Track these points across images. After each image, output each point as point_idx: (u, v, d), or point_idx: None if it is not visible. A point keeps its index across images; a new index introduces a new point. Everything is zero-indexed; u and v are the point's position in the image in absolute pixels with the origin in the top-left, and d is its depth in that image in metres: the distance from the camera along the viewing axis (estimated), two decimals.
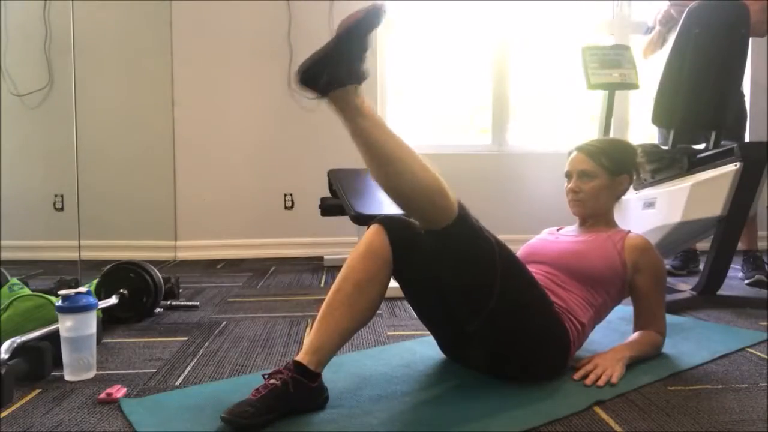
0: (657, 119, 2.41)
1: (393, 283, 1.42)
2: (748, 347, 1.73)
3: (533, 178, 3.77)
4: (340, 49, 1.15)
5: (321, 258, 3.52)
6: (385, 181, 1.23)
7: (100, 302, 1.87)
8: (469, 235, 1.30)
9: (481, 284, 1.31)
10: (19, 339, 1.50)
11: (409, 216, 1.37)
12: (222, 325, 2.06)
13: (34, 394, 1.41)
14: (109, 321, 2.02)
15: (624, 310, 1.74)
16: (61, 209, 3.66)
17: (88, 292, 1.53)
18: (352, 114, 1.19)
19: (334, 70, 1.16)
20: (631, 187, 1.74)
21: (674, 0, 2.83)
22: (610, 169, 1.64)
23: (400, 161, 1.21)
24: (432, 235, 1.29)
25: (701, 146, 2.43)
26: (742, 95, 2.83)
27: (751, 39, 2.42)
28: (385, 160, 1.21)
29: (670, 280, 2.45)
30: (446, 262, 1.32)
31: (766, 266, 2.74)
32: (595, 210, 1.66)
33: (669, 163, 2.44)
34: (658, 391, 1.39)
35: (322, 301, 1.36)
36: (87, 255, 2.95)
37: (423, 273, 1.41)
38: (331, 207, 3.04)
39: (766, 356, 1.66)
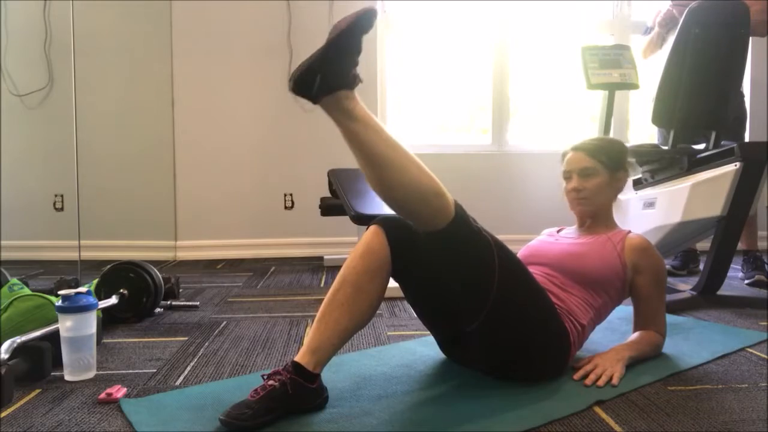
0: (657, 119, 2.41)
1: (393, 283, 1.43)
2: (748, 347, 1.73)
3: (533, 178, 3.77)
4: (332, 54, 1.14)
5: (321, 258, 3.52)
6: (380, 185, 1.22)
7: (100, 302, 1.87)
8: (467, 236, 1.29)
9: (480, 285, 1.31)
10: (19, 339, 1.50)
11: (405, 218, 1.36)
12: (222, 325, 2.06)
13: (34, 394, 1.41)
14: (109, 321, 2.02)
15: (624, 310, 1.74)
16: (61, 209, 3.66)
17: (88, 292, 1.53)
18: (344, 118, 1.19)
19: (326, 77, 1.14)
20: (631, 187, 1.74)
21: (676, 0, 2.83)
22: (610, 165, 1.64)
23: (395, 164, 1.19)
24: (429, 237, 1.29)
25: (701, 146, 2.43)
26: (742, 95, 2.83)
27: (751, 39, 2.42)
28: (380, 164, 1.20)
29: (670, 280, 2.45)
30: (444, 263, 1.32)
31: (766, 266, 2.74)
32: (598, 207, 1.67)
33: (669, 163, 2.44)
34: (658, 391, 1.39)
35: (321, 301, 1.36)
36: (87, 255, 2.95)
37: (422, 273, 1.41)
38: (331, 207, 3.04)
39: (766, 356, 1.66)
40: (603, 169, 1.64)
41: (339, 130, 1.21)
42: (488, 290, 1.30)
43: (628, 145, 2.10)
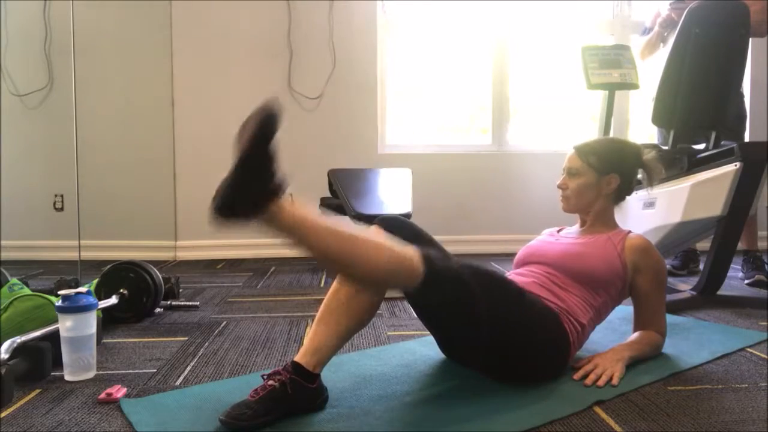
0: (657, 119, 2.41)
1: None
2: (748, 347, 1.73)
3: (533, 178, 3.77)
4: (245, 174, 1.07)
5: None
6: (340, 274, 1.22)
7: (100, 302, 1.87)
8: (443, 284, 1.26)
9: (469, 320, 1.32)
10: (19, 339, 1.50)
11: (376, 288, 1.32)
12: (222, 325, 2.06)
13: (34, 394, 1.41)
14: (109, 321, 2.02)
15: (624, 310, 1.74)
16: (61, 209, 3.66)
17: (88, 292, 1.53)
18: (282, 232, 1.12)
19: (246, 197, 1.08)
20: (633, 187, 1.74)
21: (675, 2, 2.83)
22: (597, 168, 1.64)
23: (347, 254, 1.15)
24: (410, 294, 1.28)
25: (701, 146, 2.43)
26: (741, 96, 2.83)
27: (751, 39, 2.42)
28: (332, 259, 1.17)
29: (670, 280, 2.45)
30: (431, 309, 1.34)
31: (766, 266, 2.74)
32: (579, 207, 1.67)
33: (669, 163, 2.44)
34: (658, 391, 1.39)
35: (321, 301, 1.36)
36: (87, 255, 2.95)
37: (416, 291, 1.42)
38: (331, 207, 3.04)
39: (766, 356, 1.66)
40: (589, 171, 1.64)
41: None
42: (477, 322, 1.31)
43: None
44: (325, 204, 3.11)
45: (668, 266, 2.94)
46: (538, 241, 1.74)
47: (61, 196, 3.66)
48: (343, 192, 2.72)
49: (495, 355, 1.40)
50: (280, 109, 1.05)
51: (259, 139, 1.06)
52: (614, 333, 1.83)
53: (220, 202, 1.08)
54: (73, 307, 1.48)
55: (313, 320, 1.39)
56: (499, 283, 1.41)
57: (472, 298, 1.28)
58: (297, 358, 1.28)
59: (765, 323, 2.01)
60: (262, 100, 1.06)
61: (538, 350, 1.41)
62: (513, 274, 1.65)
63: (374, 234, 1.24)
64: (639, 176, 1.74)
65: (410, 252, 1.21)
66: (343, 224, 1.17)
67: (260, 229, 1.11)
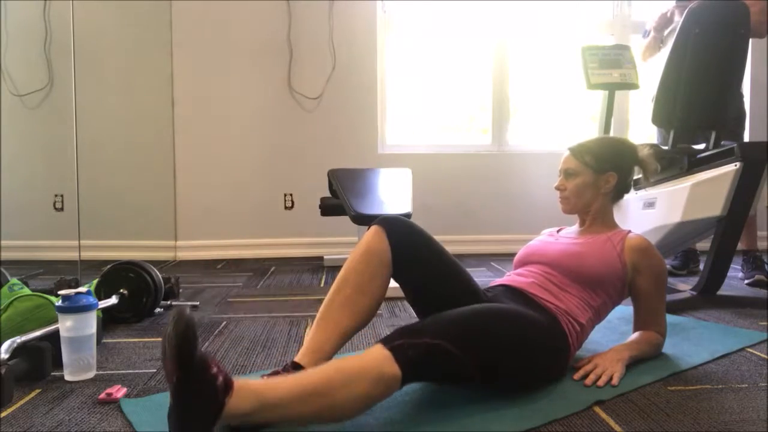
0: (657, 119, 2.41)
1: (393, 283, 1.43)
2: (748, 347, 1.73)
3: (533, 178, 3.77)
4: (186, 401, 1.00)
5: (321, 258, 3.52)
6: (323, 420, 1.15)
7: (100, 302, 1.87)
8: (424, 370, 1.20)
9: (465, 376, 1.25)
10: (19, 339, 1.50)
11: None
12: (222, 325, 2.06)
13: (34, 394, 1.41)
14: (109, 321, 2.02)
15: (624, 310, 1.74)
16: (61, 209, 3.66)
17: (88, 292, 1.53)
18: (250, 419, 1.05)
19: (198, 419, 1.00)
20: (632, 186, 1.74)
21: (679, 2, 2.81)
22: (594, 166, 1.64)
23: (318, 406, 1.08)
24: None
25: (701, 146, 2.43)
26: (741, 95, 2.83)
27: (751, 39, 2.42)
28: (308, 417, 1.11)
29: (670, 280, 2.45)
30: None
31: (766, 266, 2.74)
32: (579, 207, 1.67)
33: (669, 163, 2.44)
34: (658, 391, 1.39)
35: (322, 301, 1.37)
36: (87, 255, 2.95)
37: (422, 273, 1.41)
38: (331, 207, 3.04)
39: (766, 356, 1.66)
40: (586, 170, 1.64)
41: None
42: (473, 373, 1.24)
43: None
44: (325, 204, 3.11)
45: (668, 266, 2.94)
46: (538, 241, 1.73)
47: (61, 196, 3.66)
48: (343, 192, 2.71)
49: (494, 374, 1.37)
50: (192, 318, 1.00)
51: (184, 355, 0.98)
52: (614, 333, 1.83)
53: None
54: (73, 307, 1.48)
55: (313, 320, 1.39)
56: (487, 319, 1.30)
57: (460, 362, 1.21)
58: (297, 358, 1.28)
59: (765, 323, 2.01)
60: (173, 314, 1.00)
61: (538, 353, 1.40)
62: (512, 274, 1.65)
63: (332, 366, 1.15)
64: (636, 176, 1.74)
65: (380, 361, 1.13)
66: (301, 378, 1.12)
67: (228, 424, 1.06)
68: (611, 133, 2.85)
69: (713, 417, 1.25)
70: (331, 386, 1.09)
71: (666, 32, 2.93)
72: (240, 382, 1.05)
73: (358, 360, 1.14)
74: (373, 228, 1.41)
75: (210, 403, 1.00)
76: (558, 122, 4.05)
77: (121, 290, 2.08)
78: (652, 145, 2.09)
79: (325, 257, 3.48)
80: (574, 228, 1.74)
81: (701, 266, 2.74)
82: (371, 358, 1.13)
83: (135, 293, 2.10)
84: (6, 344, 1.47)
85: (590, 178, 1.64)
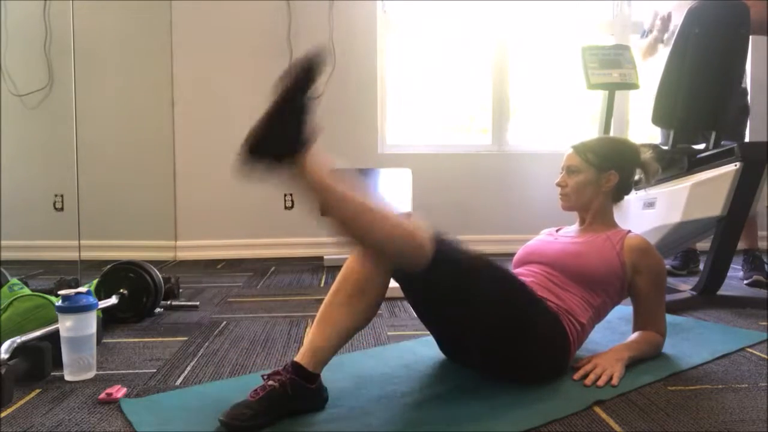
0: (657, 119, 2.41)
1: (393, 283, 1.42)
2: (748, 347, 1.73)
3: (533, 178, 3.77)
4: (281, 117, 1.08)
5: (321, 258, 3.52)
6: (351, 240, 1.22)
7: (100, 302, 1.87)
8: (452, 269, 1.29)
9: (474, 312, 1.32)
10: (19, 339, 1.50)
11: (384, 262, 1.33)
12: (222, 325, 2.06)
13: (34, 394, 1.41)
14: (109, 321, 2.02)
15: (624, 310, 1.74)
16: (61, 209, 3.66)
17: (88, 292, 1.53)
18: (305, 187, 1.15)
19: (282, 138, 1.09)
20: (634, 186, 1.74)
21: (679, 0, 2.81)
22: (596, 164, 1.64)
23: (364, 222, 1.19)
24: (416, 276, 1.28)
25: (701, 146, 2.43)
26: (745, 91, 2.83)
27: (751, 38, 2.42)
28: (348, 224, 1.19)
29: (670, 280, 2.45)
30: (437, 296, 1.33)
31: (766, 266, 2.74)
32: (579, 204, 1.67)
33: (669, 163, 2.44)
34: (658, 391, 1.39)
35: (321, 301, 1.37)
36: (87, 255, 2.95)
37: (422, 273, 1.41)
38: None
39: (766, 356, 1.66)
40: (588, 168, 1.65)
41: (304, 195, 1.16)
42: (482, 316, 1.31)
43: None
44: None
45: (668, 266, 2.94)
46: (537, 241, 1.73)
47: (61, 196, 3.66)
48: None
49: (494, 356, 1.40)
50: (324, 60, 1.08)
51: (299, 86, 1.08)
52: (614, 333, 1.83)
53: (253, 141, 1.10)
54: (73, 307, 1.48)
55: (313, 320, 1.39)
56: (510, 278, 1.41)
57: (480, 287, 1.29)
58: (297, 358, 1.28)
59: (765, 323, 2.01)
60: (309, 50, 1.08)
61: (538, 350, 1.41)
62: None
63: (394, 212, 1.24)
64: (637, 177, 1.74)
65: (425, 232, 1.23)
66: (369, 195, 1.20)
67: (284, 181, 1.12)
68: (611, 134, 2.85)
69: (713, 417, 1.25)
70: (382, 213, 1.19)
71: (666, 35, 2.93)
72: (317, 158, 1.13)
73: (410, 220, 1.23)
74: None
75: (300, 133, 1.11)
76: (558, 122, 4.05)
77: (121, 290, 2.08)
78: (653, 147, 2.10)
79: (325, 257, 3.48)
80: (574, 227, 1.74)
81: (701, 266, 2.73)
82: (422, 227, 1.24)
83: (135, 293, 2.10)
84: (6, 344, 1.47)
85: (592, 176, 1.65)
